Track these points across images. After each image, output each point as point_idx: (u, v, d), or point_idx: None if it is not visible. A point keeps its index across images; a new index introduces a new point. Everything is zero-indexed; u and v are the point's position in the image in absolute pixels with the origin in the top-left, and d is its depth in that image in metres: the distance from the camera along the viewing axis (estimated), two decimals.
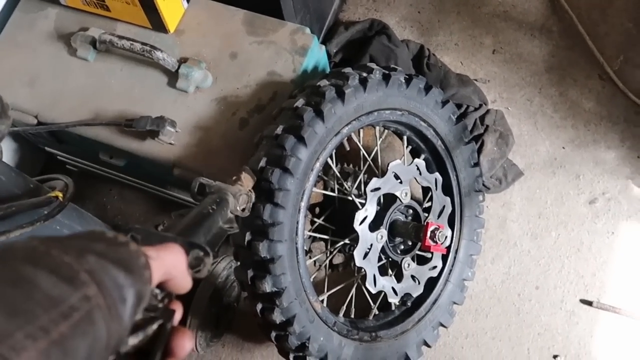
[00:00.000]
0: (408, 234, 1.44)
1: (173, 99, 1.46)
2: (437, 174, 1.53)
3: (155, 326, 0.55)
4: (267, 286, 1.24)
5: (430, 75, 1.88)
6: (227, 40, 1.50)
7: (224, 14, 1.53)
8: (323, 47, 1.59)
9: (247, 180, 1.17)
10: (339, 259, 1.68)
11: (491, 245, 1.80)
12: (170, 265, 0.57)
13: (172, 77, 1.46)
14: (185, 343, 0.57)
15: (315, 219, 1.53)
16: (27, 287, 0.41)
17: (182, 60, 1.46)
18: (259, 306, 1.29)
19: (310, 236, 1.53)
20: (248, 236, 1.25)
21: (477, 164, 1.66)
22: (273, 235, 1.23)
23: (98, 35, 1.46)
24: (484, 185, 1.77)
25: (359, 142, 1.49)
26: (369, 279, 1.39)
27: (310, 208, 1.56)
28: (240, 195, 1.04)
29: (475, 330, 1.73)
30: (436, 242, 1.38)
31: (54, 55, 1.52)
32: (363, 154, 1.50)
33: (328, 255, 1.53)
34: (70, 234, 0.51)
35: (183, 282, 0.59)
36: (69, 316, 0.41)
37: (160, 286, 0.57)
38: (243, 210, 1.04)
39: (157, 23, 1.48)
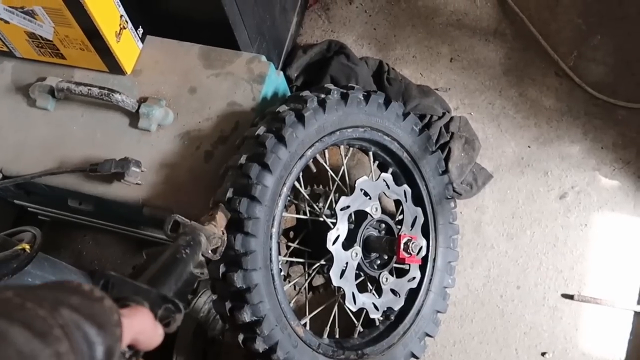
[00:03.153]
0: (382, 248, 1.45)
1: (136, 139, 1.46)
2: (405, 186, 1.55)
3: None
4: (246, 316, 1.24)
5: (391, 90, 1.91)
6: (184, 76, 1.51)
7: (180, 50, 1.55)
8: (281, 72, 1.61)
9: (221, 219, 1.15)
10: (319, 281, 1.68)
11: (469, 250, 1.81)
12: (137, 329, 0.58)
13: (134, 117, 1.47)
14: None
15: (290, 244, 1.53)
16: (1, 343, 0.41)
17: (142, 100, 1.47)
18: (241, 337, 1.29)
19: (287, 261, 1.54)
20: (222, 268, 1.25)
21: (445, 172, 1.69)
22: (247, 265, 1.23)
23: (55, 83, 1.47)
24: (455, 191, 1.80)
25: (326, 162, 1.51)
26: (348, 297, 1.40)
27: (285, 232, 1.56)
28: (213, 237, 1.04)
29: (462, 337, 1.73)
30: (410, 254, 1.39)
31: (14, 107, 1.52)
32: (330, 174, 1.52)
33: (306, 278, 1.53)
34: (47, 282, 0.51)
35: (150, 342, 0.61)
36: None
37: (129, 345, 0.59)
38: (214, 252, 1.04)
39: (113, 66, 1.49)
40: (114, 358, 0.51)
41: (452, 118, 1.90)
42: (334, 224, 1.39)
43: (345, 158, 1.55)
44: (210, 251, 1.03)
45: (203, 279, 0.89)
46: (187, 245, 0.94)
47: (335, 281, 1.37)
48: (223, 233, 1.12)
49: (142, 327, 0.60)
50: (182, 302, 0.68)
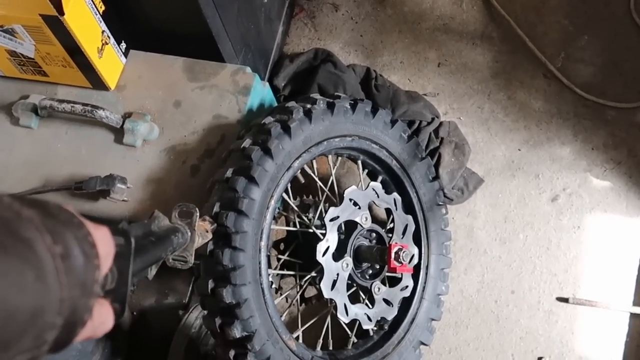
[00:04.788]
0: (373, 258, 1.43)
1: (122, 155, 1.44)
2: (395, 194, 1.54)
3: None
4: (237, 331, 1.22)
5: (379, 96, 1.90)
6: (169, 90, 1.50)
7: (163, 64, 1.53)
8: (267, 83, 1.60)
9: (207, 238, 1.09)
10: (312, 292, 1.66)
11: (462, 256, 1.80)
12: (100, 325, 0.57)
13: (118, 133, 1.45)
14: None
15: (281, 256, 1.52)
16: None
17: (127, 115, 1.45)
18: (232, 353, 1.27)
19: (279, 274, 1.52)
20: (211, 283, 1.23)
21: (435, 178, 1.67)
22: (236, 280, 1.21)
23: (38, 101, 1.45)
24: (446, 197, 1.78)
25: (314, 173, 1.49)
26: (340, 309, 1.38)
27: (275, 245, 1.55)
28: (190, 254, 0.97)
29: (458, 344, 1.72)
30: (402, 263, 1.37)
31: None
32: (319, 184, 1.50)
33: (298, 290, 1.52)
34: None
35: (97, 335, 0.59)
36: None
37: None
38: (174, 260, 0.96)
39: (96, 82, 1.47)
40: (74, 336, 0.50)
41: (441, 123, 1.89)
42: (324, 235, 1.38)
43: (333, 168, 1.54)
44: (171, 257, 0.93)
45: (147, 279, 0.84)
46: (174, 249, 0.88)
47: (327, 293, 1.35)
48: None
49: (106, 324, 0.58)
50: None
